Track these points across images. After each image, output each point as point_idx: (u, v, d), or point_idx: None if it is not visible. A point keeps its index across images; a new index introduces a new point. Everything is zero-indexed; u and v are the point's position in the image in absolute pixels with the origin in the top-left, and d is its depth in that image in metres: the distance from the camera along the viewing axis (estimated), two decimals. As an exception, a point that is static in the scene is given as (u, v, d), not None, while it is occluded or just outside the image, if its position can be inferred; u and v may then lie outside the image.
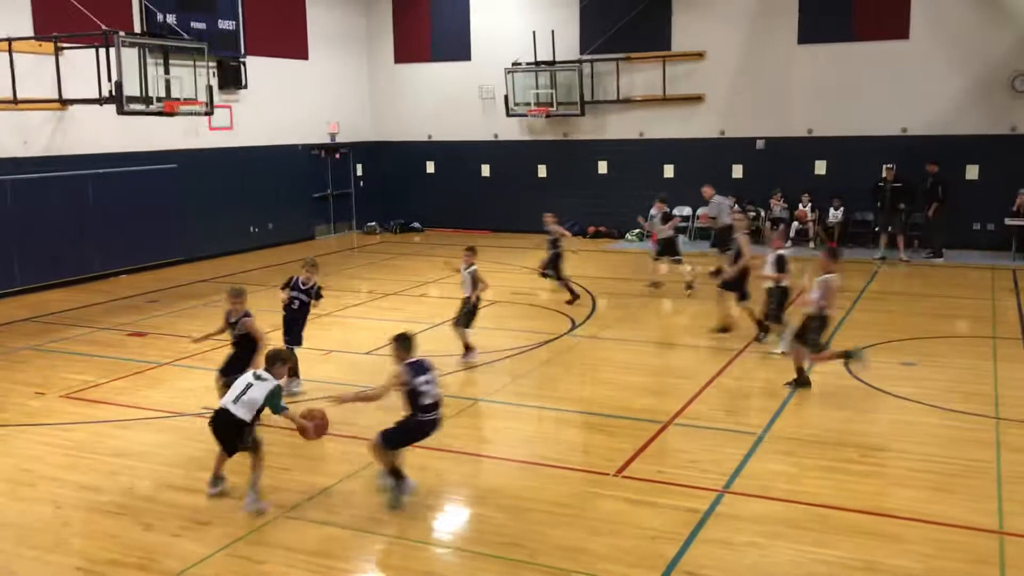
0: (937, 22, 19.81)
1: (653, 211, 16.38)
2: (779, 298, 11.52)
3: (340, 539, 6.90)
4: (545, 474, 8.10)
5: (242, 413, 7.16)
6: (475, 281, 11.61)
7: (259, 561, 6.55)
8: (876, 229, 19.85)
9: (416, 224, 25.34)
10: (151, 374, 11.32)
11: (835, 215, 20.76)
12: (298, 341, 10.54)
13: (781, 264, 11.28)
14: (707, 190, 18.12)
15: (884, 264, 18.72)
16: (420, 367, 7.27)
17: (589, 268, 18.52)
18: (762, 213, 21.51)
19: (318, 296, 10.66)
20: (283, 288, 10.66)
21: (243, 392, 7.22)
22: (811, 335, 10.02)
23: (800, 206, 21.07)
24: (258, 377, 7.32)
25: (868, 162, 20.05)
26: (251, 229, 21.90)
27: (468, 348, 11.71)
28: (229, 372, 8.98)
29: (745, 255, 12.31)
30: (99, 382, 11.04)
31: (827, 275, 10.04)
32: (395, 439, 7.33)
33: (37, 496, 7.76)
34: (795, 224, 21.11)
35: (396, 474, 7.33)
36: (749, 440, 8.75)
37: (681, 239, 17.11)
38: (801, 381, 10.27)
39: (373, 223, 25.38)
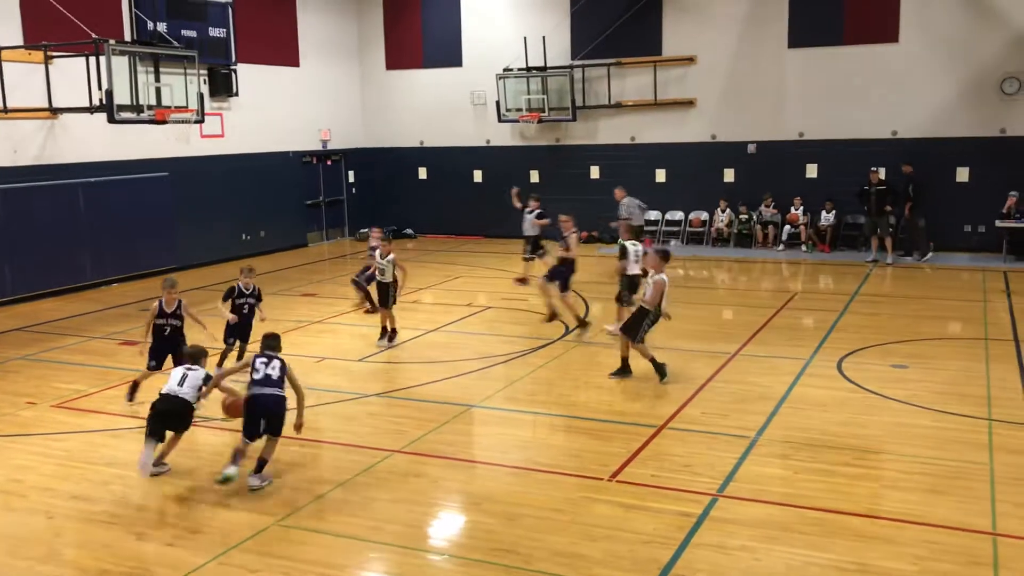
0: (926, 25, 19.90)
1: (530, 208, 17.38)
2: (628, 284, 12.88)
3: (334, 547, 6.88)
4: (539, 479, 8.09)
5: (189, 396, 8.07)
6: (396, 267, 12.93)
7: (253, 570, 6.52)
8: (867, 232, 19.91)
9: (409, 230, 25.32)
10: (143, 383, 11.25)
11: (827, 218, 20.80)
12: (247, 338, 11.25)
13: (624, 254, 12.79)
14: (618, 192, 18.33)
15: (876, 267, 18.77)
16: (263, 356, 8.06)
17: (582, 273, 18.46)
18: (754, 217, 21.57)
19: (259, 298, 11.42)
20: (226, 299, 11.15)
21: (183, 379, 8.11)
22: (634, 325, 10.84)
23: (792, 209, 21.10)
24: (190, 368, 8.23)
25: (859, 165, 20.08)
26: (243, 236, 21.85)
27: (386, 330, 12.93)
28: (177, 356, 9.74)
29: (573, 251, 13.44)
30: (91, 391, 11.00)
31: (657, 276, 10.80)
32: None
33: (29, 506, 7.73)
34: (787, 227, 21.17)
35: (235, 459, 7.90)
36: (743, 443, 8.76)
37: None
38: (624, 369, 11.04)
39: (366, 230, 25.29)
